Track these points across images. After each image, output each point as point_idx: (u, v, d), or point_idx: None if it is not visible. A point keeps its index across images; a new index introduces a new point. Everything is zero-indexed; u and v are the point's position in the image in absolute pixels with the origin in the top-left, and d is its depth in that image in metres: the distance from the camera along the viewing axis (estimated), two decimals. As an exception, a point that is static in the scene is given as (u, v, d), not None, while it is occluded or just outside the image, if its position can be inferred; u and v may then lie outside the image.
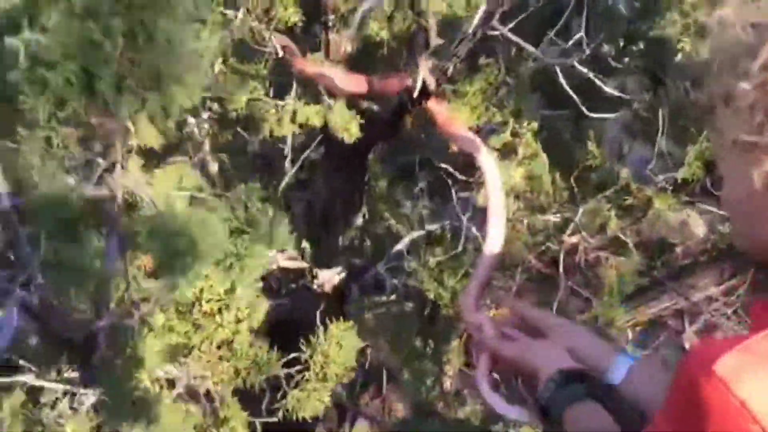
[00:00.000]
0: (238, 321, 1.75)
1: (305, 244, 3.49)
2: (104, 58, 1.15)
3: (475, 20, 2.10)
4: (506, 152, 3.45)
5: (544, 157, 3.46)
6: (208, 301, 1.77)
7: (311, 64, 2.47)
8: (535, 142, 3.44)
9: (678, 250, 4.52)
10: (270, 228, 1.63)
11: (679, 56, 2.28)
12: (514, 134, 3.47)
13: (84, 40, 1.13)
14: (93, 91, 1.19)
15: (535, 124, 3.48)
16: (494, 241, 1.61)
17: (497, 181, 2.11)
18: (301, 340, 2.12)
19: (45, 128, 1.28)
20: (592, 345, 1.20)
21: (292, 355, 2.09)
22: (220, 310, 1.76)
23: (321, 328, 2.10)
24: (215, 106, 3.22)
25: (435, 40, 2.20)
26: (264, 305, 1.80)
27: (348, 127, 2.57)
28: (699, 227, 4.55)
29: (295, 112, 2.52)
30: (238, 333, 1.76)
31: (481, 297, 1.43)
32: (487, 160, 2.34)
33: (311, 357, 2.10)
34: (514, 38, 2.63)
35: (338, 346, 2.14)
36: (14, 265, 1.38)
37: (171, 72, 1.23)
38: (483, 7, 2.10)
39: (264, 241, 1.62)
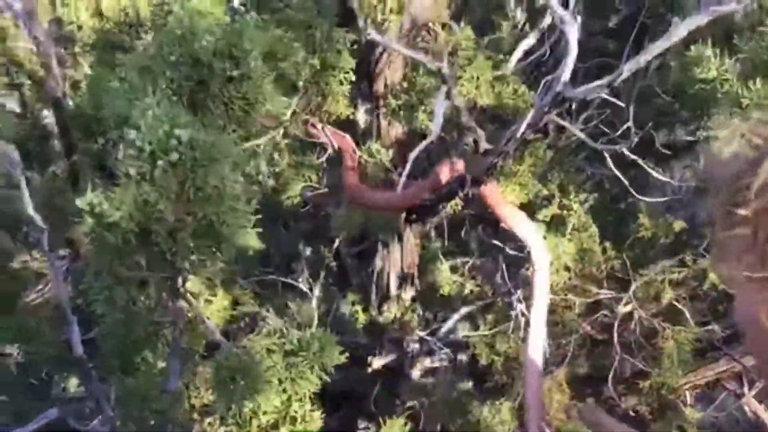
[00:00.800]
0: (294, 434, 1.82)
1: (360, 318, 3.56)
2: (159, 216, 1.24)
3: (523, 126, 2.14)
4: (555, 225, 3.46)
5: (594, 228, 3.46)
6: (264, 413, 1.83)
7: (365, 191, 2.54)
8: (584, 215, 3.45)
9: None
10: (321, 350, 1.70)
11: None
12: (562, 207, 3.48)
13: (140, 201, 1.23)
14: (149, 245, 1.28)
15: (582, 196, 3.49)
16: (536, 359, 1.66)
17: (545, 293, 2.14)
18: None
19: (106, 278, 1.38)
20: None
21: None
22: (276, 423, 1.83)
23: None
24: (270, 182, 3.33)
25: (484, 145, 2.25)
26: (318, 418, 1.86)
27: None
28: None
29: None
30: (294, 446, 1.83)
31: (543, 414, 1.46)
32: (538, 255, 2.38)
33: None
34: (564, 123, 2.67)
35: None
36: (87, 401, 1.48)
37: (223, 219, 1.32)
38: (531, 113, 2.15)
39: (316, 363, 1.69)
